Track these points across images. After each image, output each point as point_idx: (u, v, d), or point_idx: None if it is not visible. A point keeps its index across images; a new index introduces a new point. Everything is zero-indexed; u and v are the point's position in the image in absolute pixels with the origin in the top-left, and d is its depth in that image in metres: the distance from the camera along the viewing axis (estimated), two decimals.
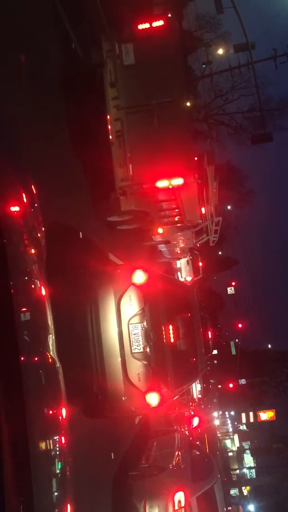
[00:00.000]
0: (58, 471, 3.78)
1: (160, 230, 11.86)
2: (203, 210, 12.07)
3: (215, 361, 36.55)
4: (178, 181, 9.58)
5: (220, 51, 34.05)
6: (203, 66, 34.25)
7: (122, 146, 9.53)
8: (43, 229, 4.16)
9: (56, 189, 7.40)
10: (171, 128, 9.51)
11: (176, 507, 8.34)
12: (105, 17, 10.59)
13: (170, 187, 9.66)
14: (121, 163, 9.56)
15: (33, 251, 3.85)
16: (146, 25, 9.89)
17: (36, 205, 4.00)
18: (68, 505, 3.73)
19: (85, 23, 10.63)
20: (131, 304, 7.74)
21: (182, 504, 8.38)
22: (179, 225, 12.12)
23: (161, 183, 9.56)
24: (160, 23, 9.90)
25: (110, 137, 9.64)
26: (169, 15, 10.47)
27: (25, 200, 3.78)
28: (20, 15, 7.02)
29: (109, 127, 9.69)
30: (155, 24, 9.89)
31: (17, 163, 3.99)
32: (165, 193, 10.19)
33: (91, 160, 9.68)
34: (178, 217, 11.48)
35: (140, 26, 9.93)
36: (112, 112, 9.64)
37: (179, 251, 15.88)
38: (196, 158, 10.78)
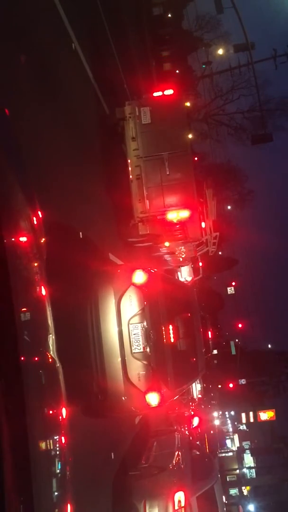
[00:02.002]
0: (58, 471, 3.77)
1: (167, 244, 14.36)
2: (203, 224, 14.44)
3: (215, 361, 36.56)
4: (184, 214, 12.20)
5: (220, 51, 34.09)
6: (203, 66, 34.31)
7: (140, 186, 12.16)
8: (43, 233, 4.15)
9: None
10: (178, 173, 12.20)
11: (176, 507, 8.33)
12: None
13: (178, 218, 12.27)
14: (140, 199, 12.18)
15: (33, 251, 3.84)
16: (160, 93, 12.76)
17: (36, 207, 4.00)
18: (68, 505, 3.72)
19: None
20: (131, 304, 7.75)
21: (182, 504, 8.37)
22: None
23: (171, 215, 12.21)
24: (170, 91, 12.74)
25: (130, 177, 12.27)
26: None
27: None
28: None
29: (130, 169, 12.29)
30: (166, 92, 12.71)
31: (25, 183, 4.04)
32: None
33: (114, 195, 12.23)
34: (183, 235, 14.06)
35: (155, 94, 12.90)
36: (133, 160, 12.28)
37: (181, 260, 18.16)
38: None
